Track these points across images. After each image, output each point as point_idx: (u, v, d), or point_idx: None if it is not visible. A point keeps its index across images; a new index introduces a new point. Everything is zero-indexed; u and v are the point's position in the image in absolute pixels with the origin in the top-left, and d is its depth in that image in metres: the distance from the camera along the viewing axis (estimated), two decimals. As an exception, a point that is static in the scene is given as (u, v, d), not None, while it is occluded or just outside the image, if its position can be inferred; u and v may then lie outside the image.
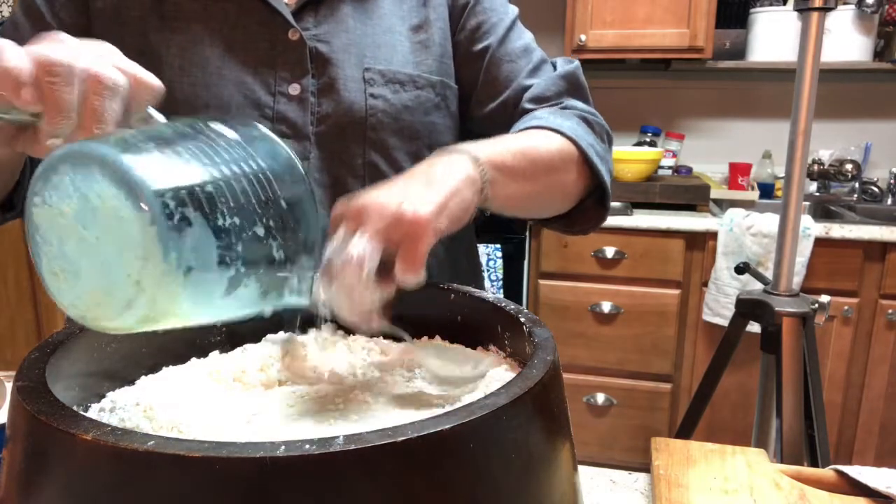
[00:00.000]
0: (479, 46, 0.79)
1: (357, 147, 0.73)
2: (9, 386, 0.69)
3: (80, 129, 0.40)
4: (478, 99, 0.80)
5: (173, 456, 0.29)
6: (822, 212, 2.37)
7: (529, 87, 0.78)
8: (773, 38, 2.31)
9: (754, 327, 1.30)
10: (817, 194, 2.46)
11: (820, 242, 1.93)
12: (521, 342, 0.49)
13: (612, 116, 2.54)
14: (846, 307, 1.97)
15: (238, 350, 0.54)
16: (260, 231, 0.37)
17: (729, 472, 0.64)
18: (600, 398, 2.18)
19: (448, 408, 0.45)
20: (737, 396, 2.08)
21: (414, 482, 0.31)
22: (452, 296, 0.56)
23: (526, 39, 0.82)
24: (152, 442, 0.30)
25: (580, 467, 0.48)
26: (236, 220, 0.36)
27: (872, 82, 2.44)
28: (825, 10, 1.15)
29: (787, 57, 2.27)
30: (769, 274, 1.32)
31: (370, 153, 0.73)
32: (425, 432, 0.31)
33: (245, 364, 0.51)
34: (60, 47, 0.40)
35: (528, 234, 2.17)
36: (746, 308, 1.29)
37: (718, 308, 2.00)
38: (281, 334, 0.56)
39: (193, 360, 0.53)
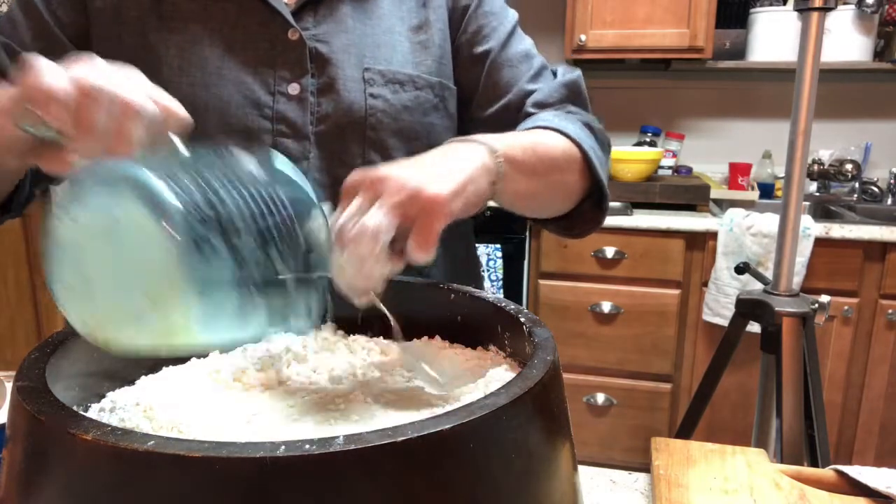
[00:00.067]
0: (480, 50, 0.80)
1: (357, 147, 0.73)
2: (9, 386, 0.69)
3: (106, 150, 0.41)
4: (479, 102, 0.81)
5: (173, 456, 0.29)
6: (822, 212, 2.37)
7: (532, 92, 0.79)
8: (773, 38, 2.31)
9: (754, 327, 1.30)
10: (817, 194, 2.46)
11: (820, 242, 1.93)
12: (521, 342, 0.49)
13: (612, 116, 2.56)
14: (846, 307, 1.97)
15: (238, 350, 0.54)
16: (276, 258, 0.38)
17: (729, 472, 0.64)
18: (600, 398, 2.18)
19: (448, 408, 0.45)
20: (737, 396, 2.08)
21: (414, 482, 0.31)
22: (452, 296, 0.56)
23: (526, 45, 0.83)
24: (152, 442, 0.30)
25: (580, 467, 0.48)
26: (255, 246, 0.37)
27: (872, 82, 2.44)
28: (825, 10, 1.15)
29: (787, 57, 2.27)
30: (769, 274, 1.32)
31: (370, 153, 0.73)
32: (425, 432, 0.31)
33: (245, 364, 0.51)
34: (96, 70, 0.41)
35: (528, 234, 2.17)
36: (746, 308, 1.29)
37: (718, 308, 2.00)
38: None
39: (193, 360, 0.53)
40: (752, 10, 2.37)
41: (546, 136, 0.70)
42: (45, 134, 0.41)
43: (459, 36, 0.80)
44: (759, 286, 1.33)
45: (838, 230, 1.93)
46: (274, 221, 0.38)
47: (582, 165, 0.72)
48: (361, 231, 0.44)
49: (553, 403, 0.39)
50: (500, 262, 2.17)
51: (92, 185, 0.35)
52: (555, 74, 0.82)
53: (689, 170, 2.57)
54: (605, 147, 0.79)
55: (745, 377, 2.04)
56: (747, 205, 2.21)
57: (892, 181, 2.35)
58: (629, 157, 2.23)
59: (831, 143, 2.48)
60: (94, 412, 0.44)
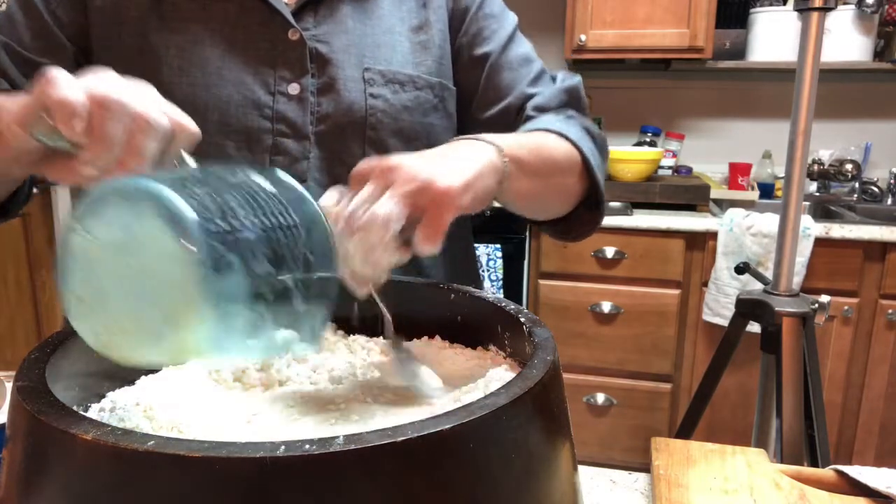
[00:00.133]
0: (480, 52, 0.80)
1: (357, 147, 0.73)
2: (9, 386, 0.69)
3: (118, 163, 0.41)
4: (478, 104, 0.81)
5: (173, 456, 0.29)
6: (822, 212, 2.37)
7: (532, 95, 0.79)
8: (773, 38, 2.31)
9: (754, 327, 1.30)
10: (817, 194, 2.46)
11: (820, 242, 1.93)
12: (521, 342, 0.49)
13: (612, 116, 2.56)
14: (846, 307, 1.97)
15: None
16: (288, 281, 0.38)
17: (729, 472, 0.64)
18: (600, 398, 2.18)
19: (448, 408, 0.45)
20: (737, 396, 2.08)
21: (414, 482, 0.31)
22: (452, 296, 0.56)
23: (526, 48, 0.83)
24: (152, 442, 0.30)
25: (580, 467, 0.48)
26: (269, 268, 0.37)
27: (872, 82, 2.44)
28: (825, 10, 1.15)
29: (787, 57, 2.27)
30: (769, 274, 1.32)
31: (370, 153, 0.73)
32: (425, 432, 0.31)
33: (245, 364, 0.51)
34: (110, 83, 0.41)
35: (528, 234, 2.17)
36: (746, 308, 1.29)
37: (718, 308, 2.00)
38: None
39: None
40: (752, 10, 2.37)
41: (549, 139, 0.70)
42: (57, 143, 0.41)
43: (459, 38, 0.80)
44: (759, 286, 1.33)
45: (838, 230, 1.93)
46: (289, 247, 0.39)
47: (581, 169, 0.73)
48: (372, 218, 0.44)
49: (553, 403, 0.39)
50: (500, 262, 2.17)
51: (114, 200, 0.36)
52: (553, 79, 0.83)
53: (689, 170, 2.57)
54: (604, 152, 0.80)
55: (745, 377, 2.04)
56: (747, 205, 2.21)
57: (892, 181, 2.35)
58: (629, 157, 2.23)
59: (831, 143, 2.48)
60: (94, 412, 0.44)
